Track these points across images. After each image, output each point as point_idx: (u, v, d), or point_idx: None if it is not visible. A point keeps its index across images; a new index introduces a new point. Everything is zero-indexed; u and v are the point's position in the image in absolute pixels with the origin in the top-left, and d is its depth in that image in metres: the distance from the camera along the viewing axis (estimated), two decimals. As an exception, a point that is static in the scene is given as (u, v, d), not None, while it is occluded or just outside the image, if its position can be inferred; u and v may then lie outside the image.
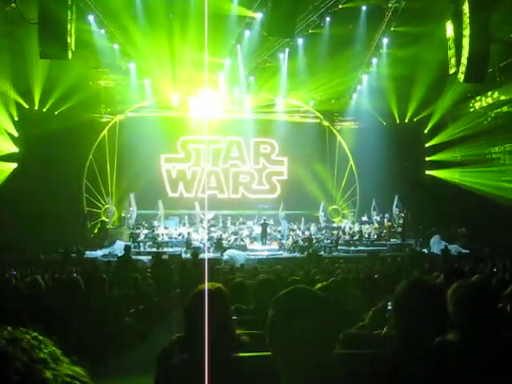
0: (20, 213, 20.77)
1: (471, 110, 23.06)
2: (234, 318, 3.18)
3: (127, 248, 15.65)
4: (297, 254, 22.54)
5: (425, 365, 2.27)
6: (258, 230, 24.32)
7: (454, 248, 21.98)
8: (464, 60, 15.70)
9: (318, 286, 5.64)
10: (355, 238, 24.70)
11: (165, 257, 16.20)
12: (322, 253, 22.76)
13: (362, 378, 2.27)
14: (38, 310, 5.91)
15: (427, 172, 26.19)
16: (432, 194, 24.49)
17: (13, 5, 17.40)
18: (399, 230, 25.20)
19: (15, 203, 20.97)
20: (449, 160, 24.60)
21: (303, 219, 26.06)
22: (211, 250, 22.82)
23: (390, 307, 4.80)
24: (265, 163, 25.61)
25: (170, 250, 21.88)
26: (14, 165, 21.91)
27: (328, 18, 20.65)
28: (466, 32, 15.52)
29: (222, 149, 25.16)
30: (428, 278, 2.67)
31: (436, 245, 22.80)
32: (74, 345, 4.41)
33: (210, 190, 23.76)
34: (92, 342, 8.41)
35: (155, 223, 24.49)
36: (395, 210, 26.10)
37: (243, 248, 23.01)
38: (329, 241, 24.35)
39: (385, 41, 22.21)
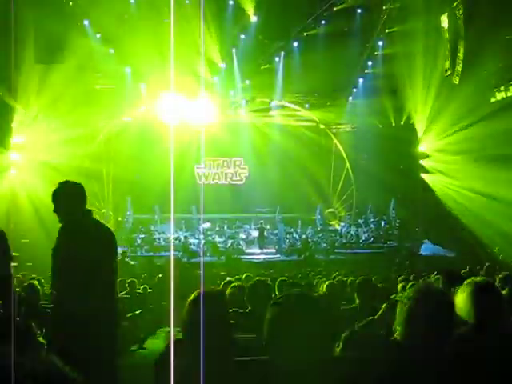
0: (16, 217, 20.71)
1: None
2: (232, 321, 3.17)
3: (123, 253, 15.68)
4: (294, 258, 22.54)
5: (434, 370, 2.27)
6: (254, 233, 24.32)
7: (445, 251, 22.25)
8: (459, 62, 15.74)
9: (320, 290, 5.64)
10: (352, 241, 24.72)
11: (159, 262, 16.19)
12: (319, 256, 22.79)
13: (362, 381, 2.26)
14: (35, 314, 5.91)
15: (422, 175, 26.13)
16: (426, 198, 24.50)
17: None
18: (396, 232, 25.23)
19: (11, 208, 20.92)
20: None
21: (300, 222, 26.07)
22: (208, 254, 22.82)
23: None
24: (237, 168, 28.17)
25: (167, 254, 21.84)
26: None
27: (323, 21, 20.71)
28: (461, 34, 15.56)
29: (220, 163, 28.11)
30: (436, 285, 2.68)
31: (426, 249, 23.11)
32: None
33: (214, 180, 27.97)
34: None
35: (152, 227, 24.47)
36: (392, 213, 26.15)
37: (240, 251, 23.04)
38: (325, 244, 24.36)
39: (380, 43, 22.26)
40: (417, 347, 2.36)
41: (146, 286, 12.79)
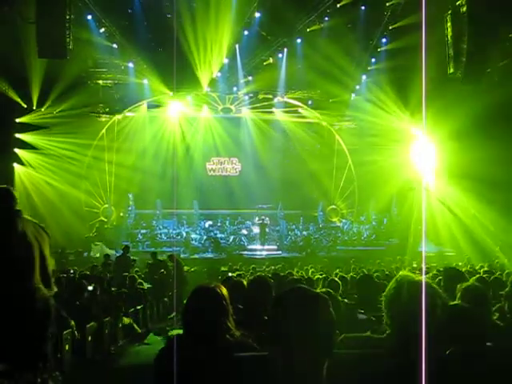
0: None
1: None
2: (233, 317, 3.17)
3: (125, 247, 15.69)
4: (295, 254, 22.55)
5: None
6: (256, 229, 24.31)
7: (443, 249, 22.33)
8: (462, 60, 15.68)
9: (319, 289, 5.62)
10: (354, 238, 24.70)
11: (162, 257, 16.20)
12: (321, 253, 22.81)
13: (362, 377, 2.27)
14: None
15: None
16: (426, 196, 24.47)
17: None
18: (397, 229, 25.18)
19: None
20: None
21: (302, 219, 26.07)
22: (209, 250, 22.84)
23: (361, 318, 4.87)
24: (233, 164, 28.03)
25: (169, 249, 21.83)
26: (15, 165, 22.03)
27: (326, 18, 20.65)
28: (465, 32, 15.51)
29: (222, 161, 28.12)
30: (413, 275, 2.69)
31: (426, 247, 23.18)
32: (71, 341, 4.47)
33: (218, 173, 28.16)
34: (91, 340, 8.42)
35: (153, 223, 24.49)
36: (394, 210, 26.14)
37: (242, 247, 23.07)
38: (327, 241, 24.36)
39: (383, 40, 22.20)
40: (400, 337, 2.38)
41: (141, 281, 12.82)
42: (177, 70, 22.48)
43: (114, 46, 21.11)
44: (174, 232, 23.98)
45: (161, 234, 23.86)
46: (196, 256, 22.02)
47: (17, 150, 21.92)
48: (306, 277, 9.16)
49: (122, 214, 25.13)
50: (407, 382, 2.31)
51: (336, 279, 7.03)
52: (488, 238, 19.86)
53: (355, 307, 5.67)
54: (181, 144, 26.24)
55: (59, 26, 14.22)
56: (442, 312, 2.53)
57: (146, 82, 23.68)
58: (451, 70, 16.71)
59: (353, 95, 25.92)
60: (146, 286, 12.82)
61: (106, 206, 24.74)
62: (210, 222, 25.18)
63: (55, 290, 4.47)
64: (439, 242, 22.96)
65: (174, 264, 15.49)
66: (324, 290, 5.76)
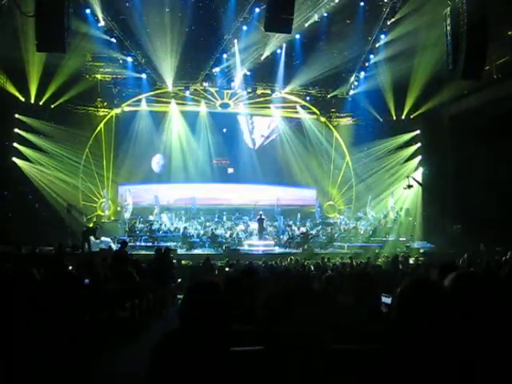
0: (17, 207, 20.86)
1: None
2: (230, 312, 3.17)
3: (123, 242, 15.67)
4: (292, 250, 22.54)
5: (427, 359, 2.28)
6: (253, 225, 24.28)
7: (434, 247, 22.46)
8: (461, 56, 15.65)
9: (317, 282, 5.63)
10: (351, 234, 24.69)
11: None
12: (318, 248, 22.81)
13: (357, 374, 2.27)
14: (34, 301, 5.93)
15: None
16: (428, 191, 24.50)
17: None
18: (394, 226, 25.21)
19: (12, 197, 21.13)
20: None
21: (299, 215, 26.08)
22: (207, 245, 22.81)
23: (386, 301, 4.84)
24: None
25: (166, 244, 21.81)
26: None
27: (325, 14, 20.63)
28: (464, 28, 15.49)
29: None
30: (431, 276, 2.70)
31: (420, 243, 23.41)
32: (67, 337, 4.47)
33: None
34: (87, 335, 8.42)
35: (151, 217, 24.45)
36: (391, 207, 26.15)
37: (239, 243, 23.05)
38: (324, 237, 24.36)
39: (382, 36, 22.18)
40: (409, 336, 2.38)
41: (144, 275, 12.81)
42: (175, 64, 22.50)
43: (113, 40, 21.09)
44: (172, 227, 23.94)
45: (158, 229, 23.81)
46: (193, 251, 22.01)
47: (16, 145, 21.90)
48: (304, 273, 9.18)
49: (119, 209, 25.12)
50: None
51: (333, 275, 7.04)
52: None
53: (352, 304, 5.67)
54: (179, 138, 26.23)
55: (58, 19, 14.15)
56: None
57: (144, 76, 23.68)
58: (450, 66, 16.69)
59: (351, 91, 25.95)
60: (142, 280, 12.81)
61: (104, 200, 24.72)
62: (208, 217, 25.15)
63: None
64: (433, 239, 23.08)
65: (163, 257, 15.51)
66: (321, 286, 5.77)
